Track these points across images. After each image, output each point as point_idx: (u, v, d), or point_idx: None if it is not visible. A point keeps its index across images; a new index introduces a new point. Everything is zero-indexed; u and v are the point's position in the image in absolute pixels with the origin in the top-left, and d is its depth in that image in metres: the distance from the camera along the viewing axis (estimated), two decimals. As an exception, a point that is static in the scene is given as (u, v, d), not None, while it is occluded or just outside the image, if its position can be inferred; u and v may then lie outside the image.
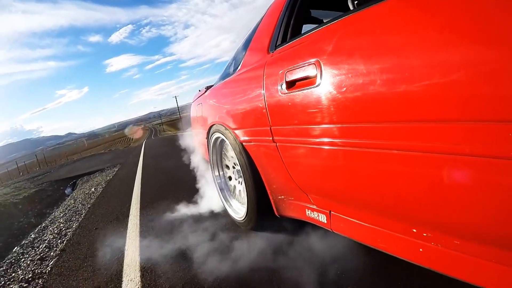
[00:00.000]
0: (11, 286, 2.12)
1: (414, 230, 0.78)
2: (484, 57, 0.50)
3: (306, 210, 1.26)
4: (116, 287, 1.60)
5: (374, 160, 0.77)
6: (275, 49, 1.26)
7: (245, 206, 1.62)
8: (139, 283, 1.56)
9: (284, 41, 1.23)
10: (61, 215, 4.17)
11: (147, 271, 1.65)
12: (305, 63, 0.95)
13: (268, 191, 1.44)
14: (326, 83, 0.86)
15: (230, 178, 1.97)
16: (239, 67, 1.62)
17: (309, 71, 0.93)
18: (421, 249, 0.77)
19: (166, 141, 14.56)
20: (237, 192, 1.88)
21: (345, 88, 0.79)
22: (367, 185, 0.85)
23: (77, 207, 4.24)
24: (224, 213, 2.14)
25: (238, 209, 1.84)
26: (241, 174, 1.56)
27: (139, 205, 3.09)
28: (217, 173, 2.07)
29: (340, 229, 1.09)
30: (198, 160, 2.75)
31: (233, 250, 1.62)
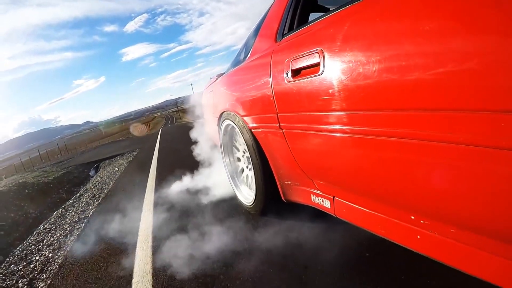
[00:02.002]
0: (64, 225, 3.16)
1: (412, 217, 0.80)
2: (492, 47, 0.50)
3: (311, 195, 1.29)
4: (137, 218, 2.47)
5: (375, 147, 0.78)
6: (282, 37, 1.28)
7: (254, 191, 1.67)
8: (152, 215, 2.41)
9: (291, 29, 1.25)
10: (92, 187, 5.06)
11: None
12: (309, 52, 0.97)
13: (276, 177, 1.48)
14: (329, 71, 0.87)
15: (240, 165, 2.02)
16: (248, 55, 1.64)
17: (313, 60, 0.94)
18: (418, 236, 0.79)
19: (181, 128, 14.94)
20: (246, 178, 1.93)
21: (347, 77, 0.80)
22: (368, 171, 0.87)
23: (105, 181, 5.21)
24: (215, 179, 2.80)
25: (248, 195, 1.89)
26: (250, 161, 1.60)
27: (155, 175, 4.08)
28: (227, 160, 2.12)
29: (343, 214, 1.12)
30: (209, 145, 3.42)
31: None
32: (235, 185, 2.07)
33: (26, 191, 5.86)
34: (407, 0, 0.65)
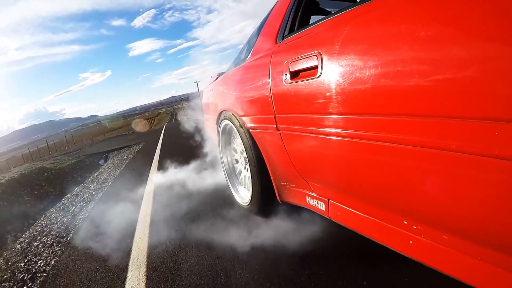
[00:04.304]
0: (90, 191, 4.27)
1: (405, 222, 0.80)
2: (490, 56, 0.49)
3: (307, 197, 1.29)
4: (142, 191, 3.16)
5: (370, 151, 0.78)
6: (282, 39, 1.29)
7: (251, 192, 1.67)
8: (154, 186, 3.19)
9: (291, 31, 1.25)
10: (106, 170, 6.14)
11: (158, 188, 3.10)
12: (308, 55, 0.97)
13: (272, 178, 1.48)
14: (326, 75, 0.88)
15: (238, 164, 2.03)
16: (250, 54, 1.65)
17: (311, 62, 0.95)
18: (411, 242, 0.79)
19: (185, 124, 15.63)
20: (243, 178, 1.94)
21: (344, 81, 0.81)
22: (363, 175, 0.88)
23: (117, 165, 6.35)
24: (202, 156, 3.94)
25: (244, 195, 1.89)
26: (248, 161, 1.61)
27: (158, 158, 5.21)
28: (225, 159, 2.12)
29: (337, 217, 1.12)
30: (207, 141, 4.12)
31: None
32: (232, 184, 2.07)
33: (46, 174, 6.84)
34: (407, 6, 0.65)
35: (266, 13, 1.64)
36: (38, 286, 1.85)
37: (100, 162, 8.42)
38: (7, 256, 2.58)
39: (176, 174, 3.45)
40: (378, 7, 0.74)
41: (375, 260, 1.22)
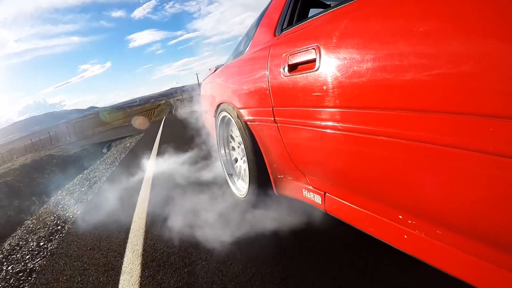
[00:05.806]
0: (100, 169, 5.17)
1: (400, 217, 0.80)
2: (488, 51, 0.49)
3: (303, 190, 1.30)
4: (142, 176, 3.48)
5: (366, 145, 0.79)
6: (281, 31, 1.28)
7: (247, 184, 1.68)
8: (154, 165, 3.87)
9: (290, 24, 1.25)
10: (111, 155, 6.95)
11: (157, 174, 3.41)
12: (306, 48, 0.97)
13: (269, 170, 1.48)
14: (324, 68, 0.87)
15: (236, 159, 2.03)
16: (248, 47, 1.64)
17: (309, 55, 0.94)
18: (405, 236, 0.80)
19: (184, 115, 15.86)
20: (241, 170, 1.94)
21: (342, 74, 0.80)
22: (359, 169, 0.88)
23: (121, 151, 7.21)
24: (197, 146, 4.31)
25: (241, 187, 1.91)
26: (245, 153, 1.61)
27: (158, 143, 6.12)
28: (223, 151, 2.13)
29: (333, 210, 1.12)
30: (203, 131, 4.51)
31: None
32: (229, 176, 2.08)
33: (55, 160, 7.53)
34: (406, 1, 0.65)
35: (266, 5, 1.63)
36: (70, 225, 2.50)
37: (103, 151, 8.92)
38: (35, 218, 3.24)
39: (173, 156, 4.15)
40: (377, 1, 0.73)
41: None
